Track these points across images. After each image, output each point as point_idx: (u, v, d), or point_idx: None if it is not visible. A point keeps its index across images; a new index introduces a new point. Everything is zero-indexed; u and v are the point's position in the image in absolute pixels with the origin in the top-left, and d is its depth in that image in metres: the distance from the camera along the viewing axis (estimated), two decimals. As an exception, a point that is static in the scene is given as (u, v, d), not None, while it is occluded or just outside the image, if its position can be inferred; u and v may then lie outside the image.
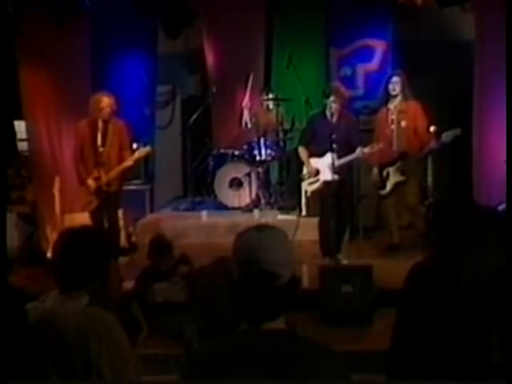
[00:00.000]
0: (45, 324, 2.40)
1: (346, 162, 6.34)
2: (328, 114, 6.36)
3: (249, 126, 8.62)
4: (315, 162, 6.48)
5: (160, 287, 5.21)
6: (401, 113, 6.56)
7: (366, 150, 6.29)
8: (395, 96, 6.57)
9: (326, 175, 6.37)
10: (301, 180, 6.82)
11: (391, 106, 6.61)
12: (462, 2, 7.62)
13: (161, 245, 5.34)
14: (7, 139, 7.58)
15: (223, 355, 1.74)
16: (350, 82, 8.41)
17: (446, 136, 6.24)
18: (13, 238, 7.16)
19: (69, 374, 2.37)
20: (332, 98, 6.28)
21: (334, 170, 6.25)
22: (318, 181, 6.47)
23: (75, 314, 2.44)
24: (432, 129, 6.29)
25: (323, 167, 6.40)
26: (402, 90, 6.54)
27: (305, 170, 6.61)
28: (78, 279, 2.51)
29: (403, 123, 6.55)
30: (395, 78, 6.58)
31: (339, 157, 6.25)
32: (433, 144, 6.35)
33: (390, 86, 6.56)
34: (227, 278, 1.80)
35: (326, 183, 6.40)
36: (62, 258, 2.52)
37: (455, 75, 8.48)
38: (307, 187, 6.70)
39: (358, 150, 6.28)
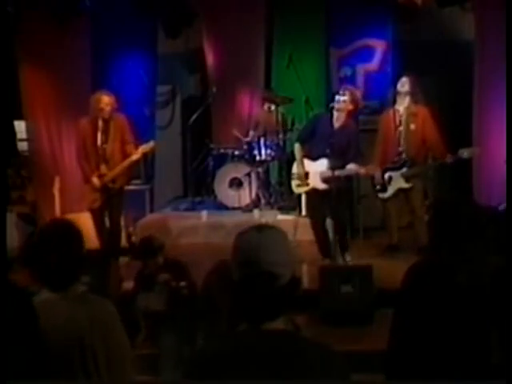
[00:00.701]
0: (41, 314, 2.41)
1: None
2: (334, 116, 6.18)
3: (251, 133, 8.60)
4: (307, 165, 6.32)
5: (142, 294, 5.03)
6: (410, 115, 6.48)
7: (363, 170, 6.18)
8: (404, 96, 6.48)
9: (317, 183, 6.23)
10: (290, 179, 6.67)
11: (400, 107, 6.53)
12: (462, 1, 7.63)
13: (146, 247, 5.10)
14: (7, 139, 7.58)
15: (224, 355, 1.74)
16: (350, 82, 8.38)
17: (463, 153, 6.18)
18: (13, 238, 7.15)
19: (64, 362, 2.37)
20: (347, 97, 6.09)
21: (324, 179, 6.13)
22: (306, 185, 6.34)
23: (69, 302, 2.45)
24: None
25: (314, 173, 6.25)
26: (412, 92, 6.46)
27: (294, 170, 6.47)
28: (68, 276, 2.51)
29: (412, 126, 6.46)
30: (404, 78, 6.53)
31: (333, 165, 6.08)
32: (449, 159, 6.25)
33: (399, 84, 6.52)
34: (226, 282, 1.80)
35: (315, 190, 6.28)
36: (47, 257, 2.51)
37: (455, 75, 8.48)
38: (295, 188, 6.58)
39: (354, 167, 6.13)
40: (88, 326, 2.39)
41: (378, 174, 6.58)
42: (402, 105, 6.53)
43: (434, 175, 7.24)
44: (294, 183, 6.53)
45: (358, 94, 6.42)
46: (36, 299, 2.49)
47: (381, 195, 6.64)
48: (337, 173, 6.12)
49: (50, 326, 2.37)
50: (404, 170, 6.48)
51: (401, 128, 6.52)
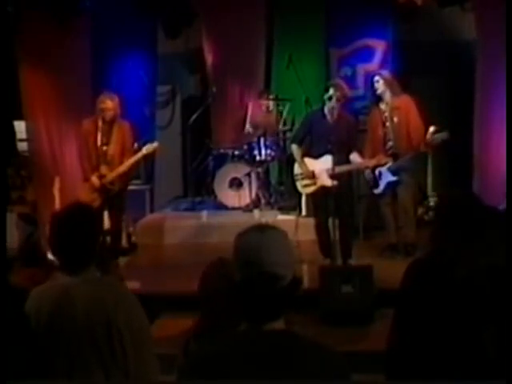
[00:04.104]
0: (63, 298, 2.43)
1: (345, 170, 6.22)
2: (327, 112, 6.19)
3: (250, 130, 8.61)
4: (311, 164, 6.29)
5: None
6: (393, 109, 6.51)
7: (373, 162, 6.27)
8: (383, 94, 6.52)
9: (324, 180, 6.19)
10: (294, 180, 6.61)
11: (382, 105, 6.58)
12: (462, 1, 7.62)
13: None
14: (7, 139, 7.58)
15: (224, 355, 1.73)
16: (350, 81, 8.37)
17: (435, 139, 6.15)
18: (13, 238, 7.15)
19: (91, 343, 2.38)
20: (332, 92, 6.10)
21: (333, 176, 6.09)
22: (314, 184, 6.29)
23: (91, 284, 2.46)
24: (431, 129, 6.25)
25: (320, 171, 6.21)
26: (389, 87, 6.49)
27: (297, 170, 6.43)
28: (84, 256, 2.53)
29: (396, 119, 6.48)
30: (376, 78, 6.58)
31: (339, 160, 6.08)
32: (422, 147, 6.30)
33: (374, 87, 6.57)
34: (225, 279, 1.80)
35: (323, 188, 6.23)
36: (63, 240, 2.53)
37: (455, 75, 8.48)
38: (302, 189, 6.52)
39: (362, 160, 6.22)
40: (114, 308, 2.40)
41: (368, 171, 6.60)
42: (384, 101, 6.56)
43: (433, 173, 7.21)
44: (300, 184, 6.46)
45: (344, 85, 6.38)
46: (54, 283, 2.53)
47: (375, 191, 6.67)
48: (345, 167, 6.16)
49: (77, 309, 2.39)
50: (389, 164, 6.48)
51: (387, 123, 6.56)
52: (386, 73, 6.69)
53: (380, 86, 6.51)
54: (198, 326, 2.55)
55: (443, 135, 6.17)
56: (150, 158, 7.61)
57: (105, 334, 2.39)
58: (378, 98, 6.60)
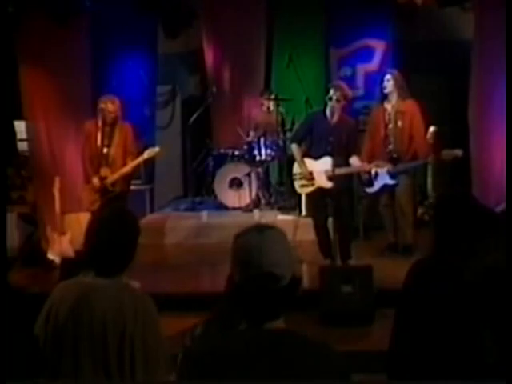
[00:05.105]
0: (86, 296, 2.42)
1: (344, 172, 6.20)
2: (328, 113, 6.19)
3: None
4: (310, 165, 6.29)
5: None
6: (398, 112, 6.48)
7: (371, 166, 6.26)
8: (390, 94, 6.49)
9: (322, 182, 6.20)
10: (292, 179, 6.61)
11: (388, 105, 6.55)
12: (462, 2, 7.62)
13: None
14: (7, 139, 7.58)
15: (223, 354, 1.73)
16: (350, 82, 8.36)
17: (446, 154, 6.14)
18: (13, 238, 7.15)
19: (103, 346, 2.38)
20: (332, 93, 6.11)
21: (331, 178, 6.09)
22: (311, 185, 6.30)
23: (115, 289, 2.45)
24: (432, 129, 6.24)
25: (319, 172, 6.22)
26: (398, 89, 6.46)
27: (295, 169, 6.43)
28: (121, 262, 2.52)
29: (400, 124, 6.47)
30: (387, 76, 6.53)
31: (337, 162, 6.07)
32: (431, 159, 6.29)
33: (383, 84, 6.53)
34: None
35: (320, 189, 6.25)
36: (106, 242, 2.50)
37: (455, 75, 8.47)
38: (299, 189, 6.54)
39: (360, 164, 6.20)
40: (132, 316, 2.40)
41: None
42: (390, 102, 6.53)
43: (433, 174, 7.20)
44: (297, 184, 6.47)
45: (345, 86, 6.34)
46: (80, 280, 2.51)
47: (368, 190, 6.65)
48: (343, 170, 6.14)
49: (95, 312, 2.38)
50: (389, 167, 6.45)
51: (390, 126, 6.53)
52: (397, 74, 6.59)
53: (389, 85, 6.47)
54: (213, 314, 2.54)
55: (457, 153, 6.15)
56: (150, 160, 7.60)
57: (117, 344, 2.38)
58: (384, 97, 6.57)
